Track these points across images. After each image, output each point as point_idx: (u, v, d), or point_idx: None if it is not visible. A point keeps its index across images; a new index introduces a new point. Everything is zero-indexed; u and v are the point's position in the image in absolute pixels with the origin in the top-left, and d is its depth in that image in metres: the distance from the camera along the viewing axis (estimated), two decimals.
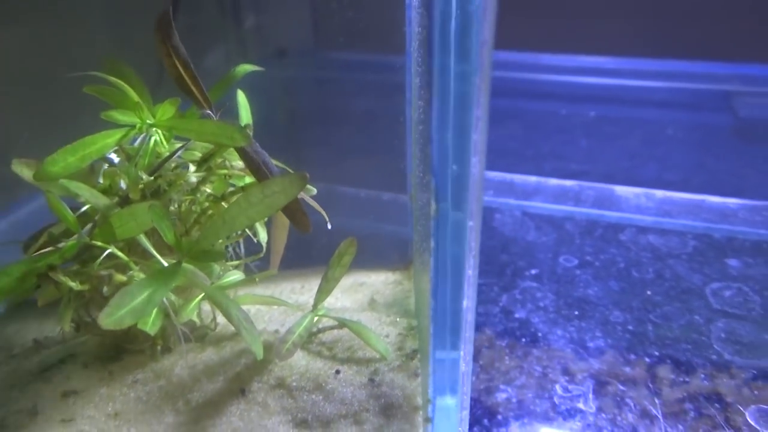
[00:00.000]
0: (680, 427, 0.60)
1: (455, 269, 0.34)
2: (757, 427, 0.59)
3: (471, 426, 0.58)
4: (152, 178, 0.44)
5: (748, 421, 0.60)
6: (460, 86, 0.27)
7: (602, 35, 1.58)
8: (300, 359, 0.53)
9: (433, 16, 0.26)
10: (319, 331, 0.57)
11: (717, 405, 0.62)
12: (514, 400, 0.63)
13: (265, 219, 0.51)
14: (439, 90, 0.28)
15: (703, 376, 0.66)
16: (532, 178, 1.10)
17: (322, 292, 0.55)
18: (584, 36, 1.57)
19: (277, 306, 0.60)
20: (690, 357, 0.68)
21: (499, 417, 0.60)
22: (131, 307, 0.37)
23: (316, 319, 0.56)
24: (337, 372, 0.50)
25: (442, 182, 0.31)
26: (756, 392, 0.63)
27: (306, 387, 0.49)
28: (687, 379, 0.65)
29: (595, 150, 1.25)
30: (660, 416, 0.61)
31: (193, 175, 0.45)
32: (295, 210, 0.42)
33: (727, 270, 0.83)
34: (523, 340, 0.72)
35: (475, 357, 0.68)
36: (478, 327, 0.73)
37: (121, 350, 0.52)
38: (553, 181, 1.08)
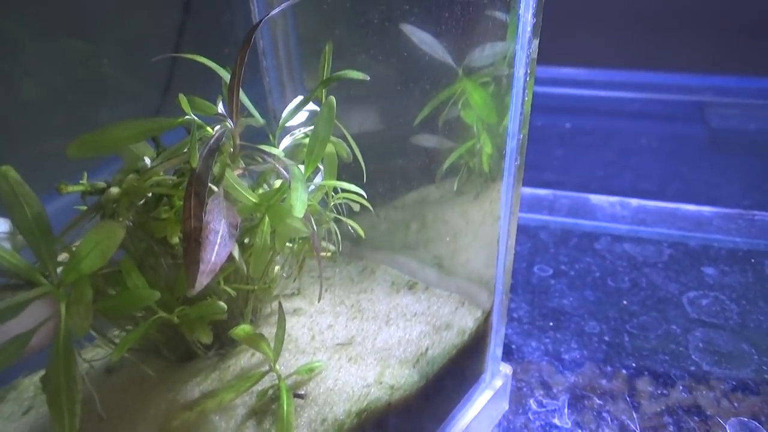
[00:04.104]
0: None
1: None
2: None
3: None
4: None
5: None
6: None
7: (578, 47, 1.58)
8: None
9: None
10: None
11: (696, 418, 0.59)
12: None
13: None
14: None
15: (681, 387, 0.63)
16: None
17: None
18: (559, 48, 1.57)
19: None
20: (668, 368, 0.66)
21: None
22: None
23: None
24: None
25: None
26: (736, 404, 0.61)
27: None
28: (665, 392, 0.63)
29: (570, 160, 1.24)
30: (638, 430, 0.58)
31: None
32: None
33: (704, 278, 0.81)
34: None
35: None
36: None
37: None
38: (528, 191, 1.06)
